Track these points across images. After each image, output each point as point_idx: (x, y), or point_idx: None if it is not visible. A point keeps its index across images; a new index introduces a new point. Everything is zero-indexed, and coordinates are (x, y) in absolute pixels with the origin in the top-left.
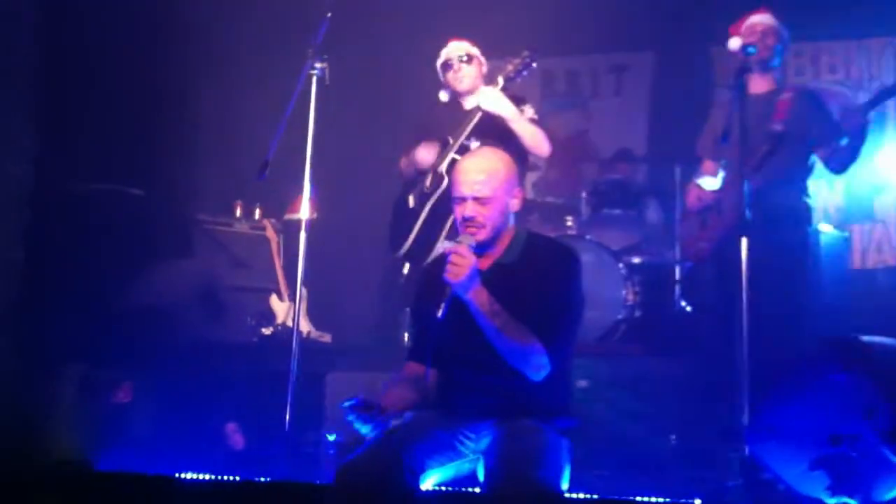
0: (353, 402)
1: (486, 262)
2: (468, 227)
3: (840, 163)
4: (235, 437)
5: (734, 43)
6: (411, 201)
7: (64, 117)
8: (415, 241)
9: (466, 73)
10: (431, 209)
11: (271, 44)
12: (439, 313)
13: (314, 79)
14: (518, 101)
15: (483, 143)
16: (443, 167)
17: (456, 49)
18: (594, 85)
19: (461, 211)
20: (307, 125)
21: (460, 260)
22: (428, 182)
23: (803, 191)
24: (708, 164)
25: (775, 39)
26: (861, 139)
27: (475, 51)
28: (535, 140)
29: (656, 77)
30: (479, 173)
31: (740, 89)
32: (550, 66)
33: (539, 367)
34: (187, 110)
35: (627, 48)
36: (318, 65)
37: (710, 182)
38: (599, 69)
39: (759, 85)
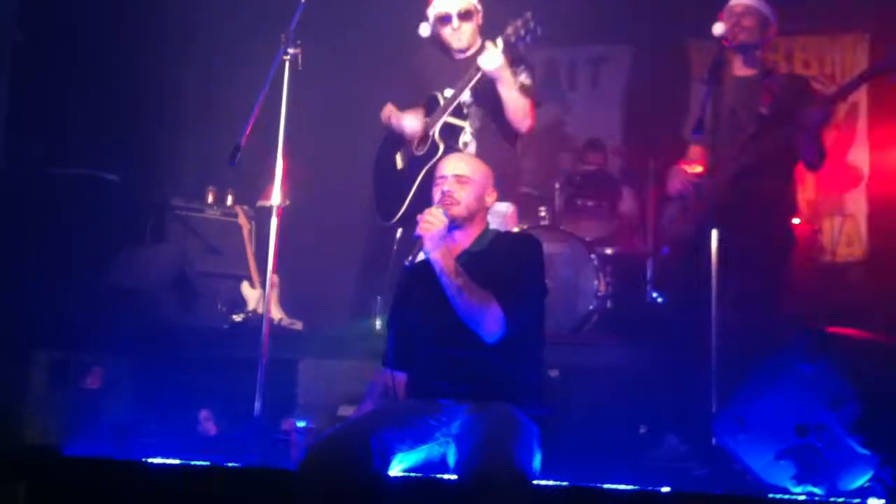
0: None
1: (455, 251)
2: (445, 199)
3: (810, 156)
4: (208, 424)
5: (717, 28)
6: (399, 161)
7: (37, 100)
8: (410, 207)
9: (466, 30)
10: (426, 176)
11: (247, 29)
12: (407, 261)
13: (287, 64)
14: (516, 61)
15: (477, 106)
16: (435, 131)
17: (454, 2)
18: (571, 76)
19: (440, 187)
20: (280, 111)
21: (433, 218)
22: (420, 145)
23: (788, 177)
24: (695, 150)
25: (754, 20)
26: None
27: (474, 2)
28: (518, 112)
29: (633, 70)
30: (463, 160)
31: (715, 82)
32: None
33: (494, 326)
34: (162, 96)
35: (606, 40)
36: (291, 50)
37: (694, 167)
38: (577, 61)
39: (744, 68)
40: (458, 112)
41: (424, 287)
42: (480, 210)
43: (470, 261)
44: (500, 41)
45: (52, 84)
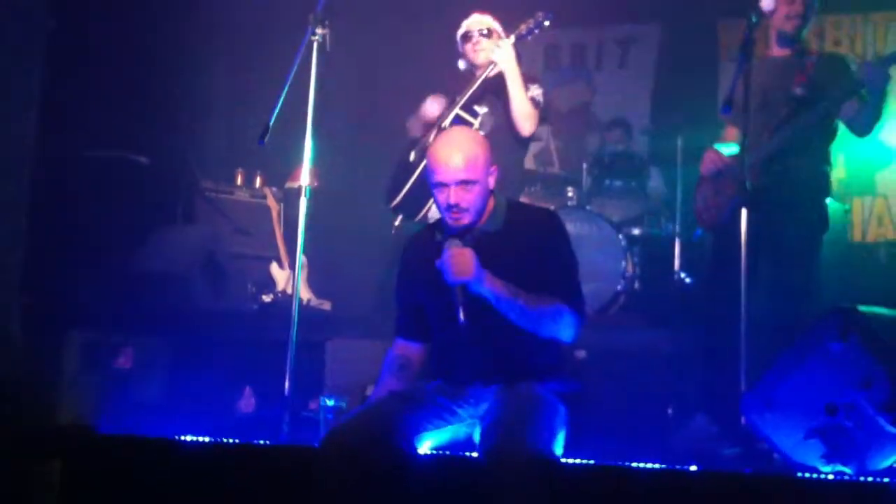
0: None
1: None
2: (453, 212)
3: (864, 123)
4: (250, 400)
5: (766, 2)
6: (412, 156)
7: (70, 85)
8: (408, 193)
9: (485, 46)
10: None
11: (275, 12)
12: (461, 317)
13: (315, 45)
14: (528, 78)
15: (489, 103)
16: (446, 123)
17: (477, 22)
18: (599, 57)
19: (444, 198)
20: (308, 92)
21: (460, 255)
22: (431, 137)
23: (824, 158)
24: (731, 131)
25: (804, 6)
26: (883, 94)
27: (496, 26)
28: (522, 112)
29: (661, 50)
30: (459, 160)
31: (745, 59)
32: (555, 39)
33: (571, 327)
34: (192, 78)
35: (633, 20)
36: (319, 31)
37: (729, 148)
38: (605, 41)
39: (780, 48)
40: (471, 111)
41: (429, 264)
42: (488, 196)
43: (487, 241)
44: (511, 36)
45: (84, 69)
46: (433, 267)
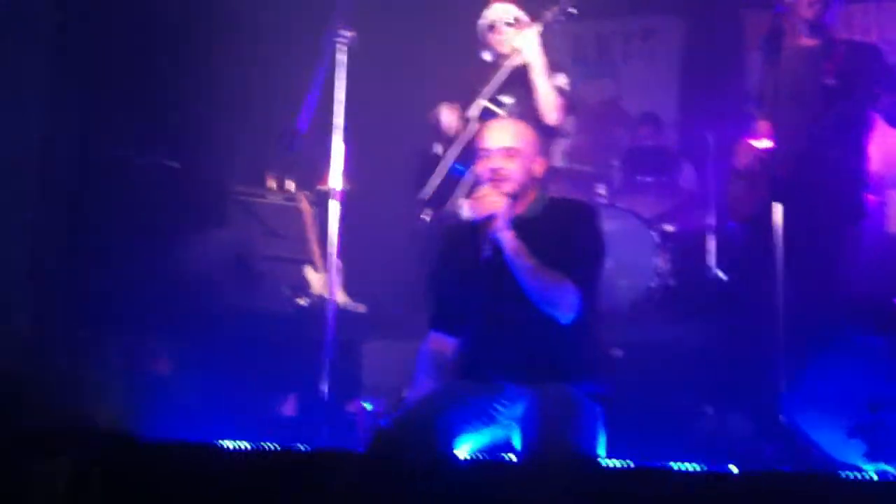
0: None
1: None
2: (495, 176)
3: None
4: (279, 403)
5: None
6: (439, 148)
7: (101, 89)
8: (438, 185)
9: (510, 35)
10: (455, 154)
11: (306, 16)
12: (485, 253)
13: (344, 48)
14: (555, 66)
15: (515, 94)
16: (474, 113)
17: (501, 11)
18: (625, 50)
19: (487, 163)
20: (339, 95)
21: (495, 196)
22: (454, 130)
23: (859, 150)
24: (763, 124)
25: None
26: None
27: (521, 14)
28: (547, 102)
29: (687, 41)
30: (507, 128)
31: (772, 52)
32: (580, 31)
33: (570, 309)
34: (224, 83)
35: (658, 11)
36: (347, 33)
37: (762, 141)
38: (631, 34)
39: (807, 38)
40: (497, 102)
41: (468, 253)
42: (531, 180)
43: (523, 227)
44: (537, 25)
45: (114, 72)
46: (470, 257)
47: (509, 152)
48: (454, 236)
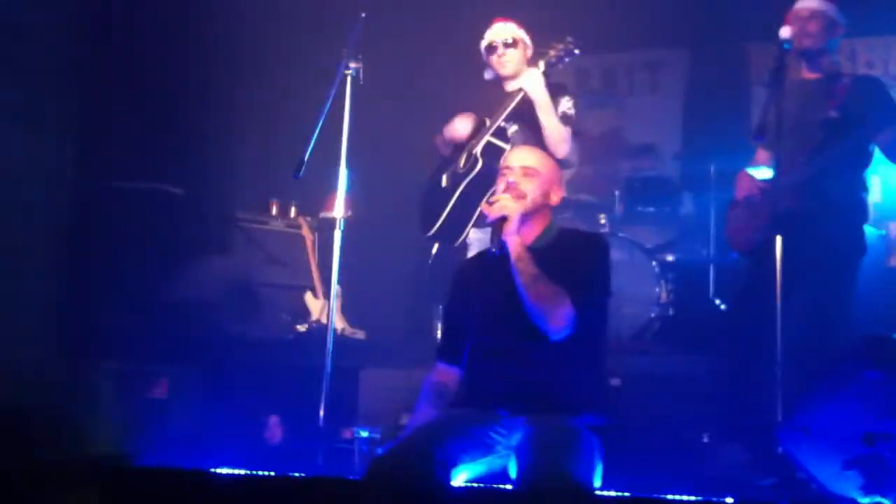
0: None
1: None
2: (510, 191)
3: None
4: (276, 430)
5: (784, 31)
6: (444, 181)
7: (105, 116)
8: (446, 220)
9: (511, 57)
10: (464, 191)
11: (308, 44)
12: (493, 250)
13: (349, 79)
14: (558, 89)
15: (521, 127)
16: (478, 149)
17: (501, 32)
18: (629, 82)
19: (505, 178)
20: (342, 124)
21: (507, 202)
22: (462, 162)
23: (860, 183)
24: (762, 154)
25: (820, 24)
26: None
27: (521, 34)
28: (555, 137)
29: (691, 74)
30: (532, 153)
31: (777, 85)
32: (585, 64)
33: (562, 323)
34: (226, 109)
35: (664, 44)
36: (352, 64)
37: (763, 172)
38: (634, 66)
39: (810, 71)
40: (502, 135)
41: (483, 282)
42: (545, 206)
43: (534, 257)
44: (541, 63)
45: (119, 99)
46: (484, 290)
47: (528, 171)
48: (464, 269)
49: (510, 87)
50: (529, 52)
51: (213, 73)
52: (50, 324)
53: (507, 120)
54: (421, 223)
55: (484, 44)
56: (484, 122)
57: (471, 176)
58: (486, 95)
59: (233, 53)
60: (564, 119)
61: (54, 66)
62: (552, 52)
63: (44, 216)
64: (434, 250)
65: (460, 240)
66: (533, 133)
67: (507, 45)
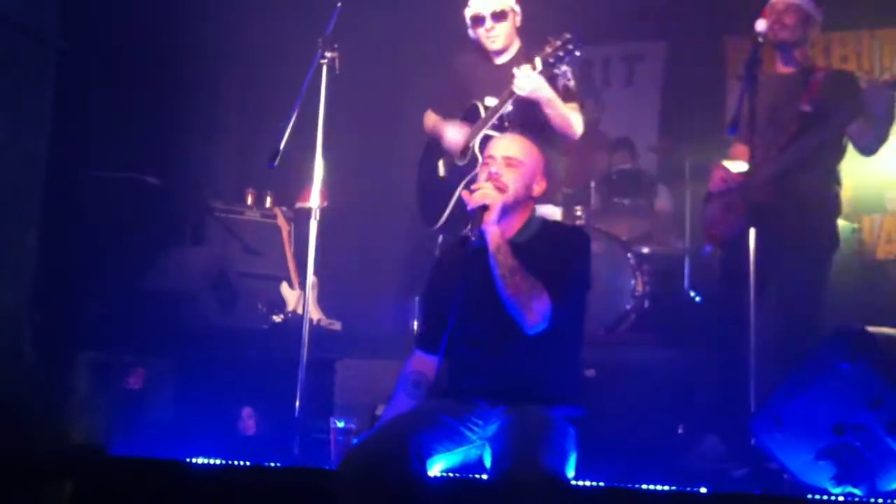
0: None
1: None
2: (492, 180)
3: (870, 142)
4: (249, 422)
5: (760, 24)
6: (441, 169)
7: (81, 105)
8: (451, 214)
9: (500, 31)
10: (467, 185)
11: (285, 32)
12: (472, 238)
13: (325, 68)
14: (557, 59)
15: (517, 123)
16: (476, 143)
17: (487, 3)
18: (606, 75)
19: (487, 168)
20: (318, 114)
21: (490, 190)
22: (461, 155)
23: (833, 176)
24: (738, 148)
25: (795, 17)
26: (888, 116)
27: (510, 3)
28: (566, 124)
29: (668, 67)
30: (515, 142)
31: (751, 78)
32: None
33: (539, 317)
34: (202, 99)
35: (640, 37)
36: (328, 54)
37: (738, 165)
38: (612, 58)
39: (785, 65)
40: (500, 125)
41: (462, 271)
42: (528, 198)
43: (515, 251)
44: (537, 61)
45: (95, 89)
46: (464, 279)
47: (511, 162)
48: (445, 258)
49: (500, 60)
50: (518, 19)
51: (189, 64)
52: (25, 313)
53: (501, 117)
54: (422, 215)
55: (469, 13)
56: (476, 108)
57: (473, 173)
58: (480, 65)
59: (209, 44)
60: (567, 95)
61: (30, 55)
62: (548, 50)
63: (19, 205)
64: (440, 240)
65: (466, 230)
66: (532, 120)
67: (495, 17)
